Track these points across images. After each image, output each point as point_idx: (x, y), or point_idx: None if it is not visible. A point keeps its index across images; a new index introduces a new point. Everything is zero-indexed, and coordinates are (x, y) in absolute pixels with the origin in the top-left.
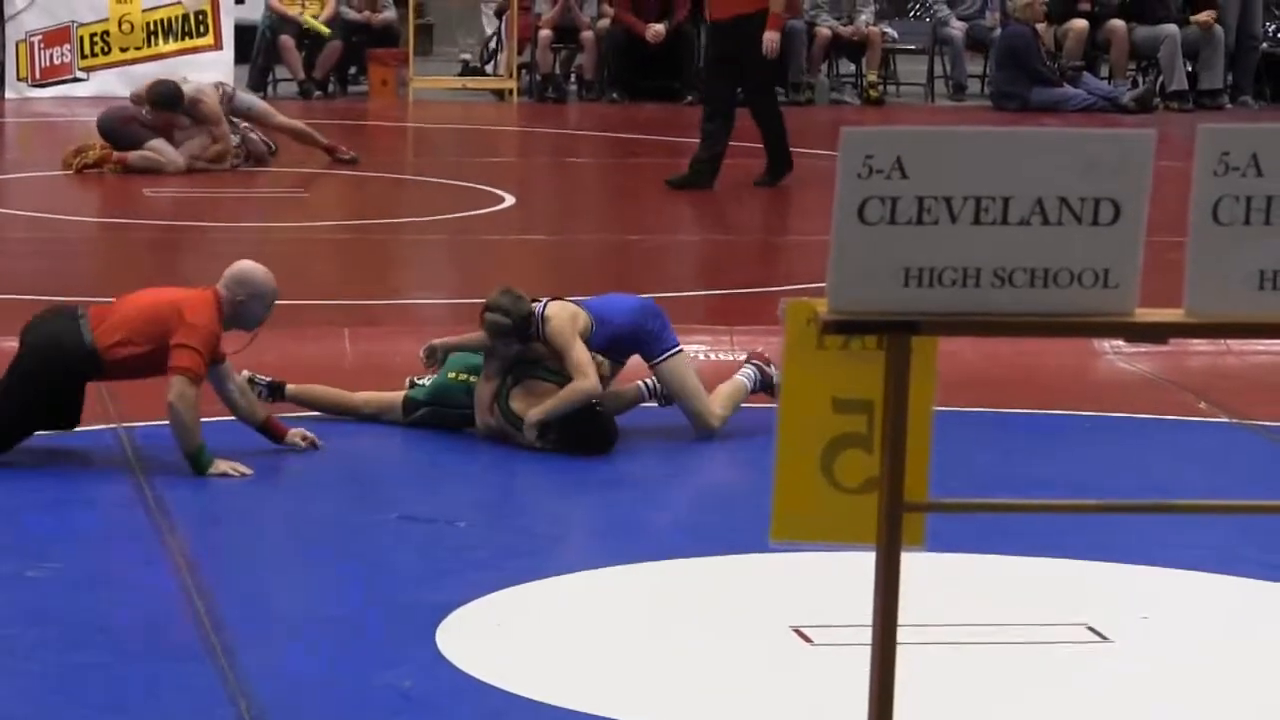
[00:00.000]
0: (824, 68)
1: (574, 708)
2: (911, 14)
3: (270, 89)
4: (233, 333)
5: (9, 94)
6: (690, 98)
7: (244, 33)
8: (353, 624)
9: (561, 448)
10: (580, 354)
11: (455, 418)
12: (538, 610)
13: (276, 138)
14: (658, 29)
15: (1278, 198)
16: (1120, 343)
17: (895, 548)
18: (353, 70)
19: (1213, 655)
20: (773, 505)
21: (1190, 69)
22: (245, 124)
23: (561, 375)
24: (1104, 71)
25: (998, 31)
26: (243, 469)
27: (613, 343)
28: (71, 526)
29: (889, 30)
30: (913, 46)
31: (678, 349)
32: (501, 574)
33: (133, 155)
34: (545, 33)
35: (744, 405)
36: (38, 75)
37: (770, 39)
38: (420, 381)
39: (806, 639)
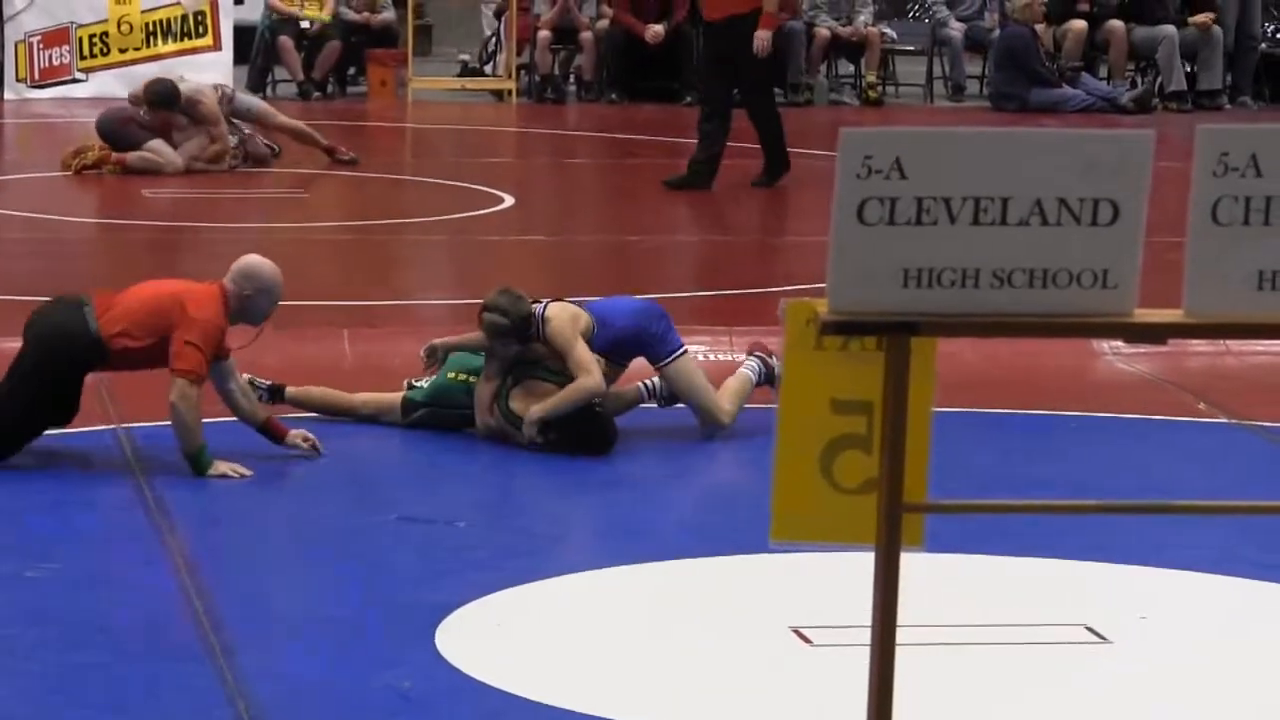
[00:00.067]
0: (823, 68)
1: (572, 708)
2: (910, 15)
3: (269, 90)
4: (238, 329)
5: (8, 95)
6: (689, 98)
7: (243, 33)
8: (352, 624)
9: (561, 448)
10: (582, 352)
11: (454, 418)
12: (537, 611)
13: (278, 138)
14: (657, 30)
15: (1277, 198)
16: (1119, 343)
17: (894, 548)
18: (352, 71)
19: (1211, 655)
20: (772, 506)
21: (1189, 70)
22: (246, 127)
23: (561, 376)
24: (1103, 72)
25: (996, 32)
26: (242, 470)
27: (616, 345)
28: (71, 527)
29: (888, 31)
30: (912, 47)
31: (683, 350)
32: (501, 574)
33: (131, 156)
34: (544, 33)
35: (745, 406)
36: (37, 76)
37: (761, 38)
38: (418, 384)
39: (806, 639)
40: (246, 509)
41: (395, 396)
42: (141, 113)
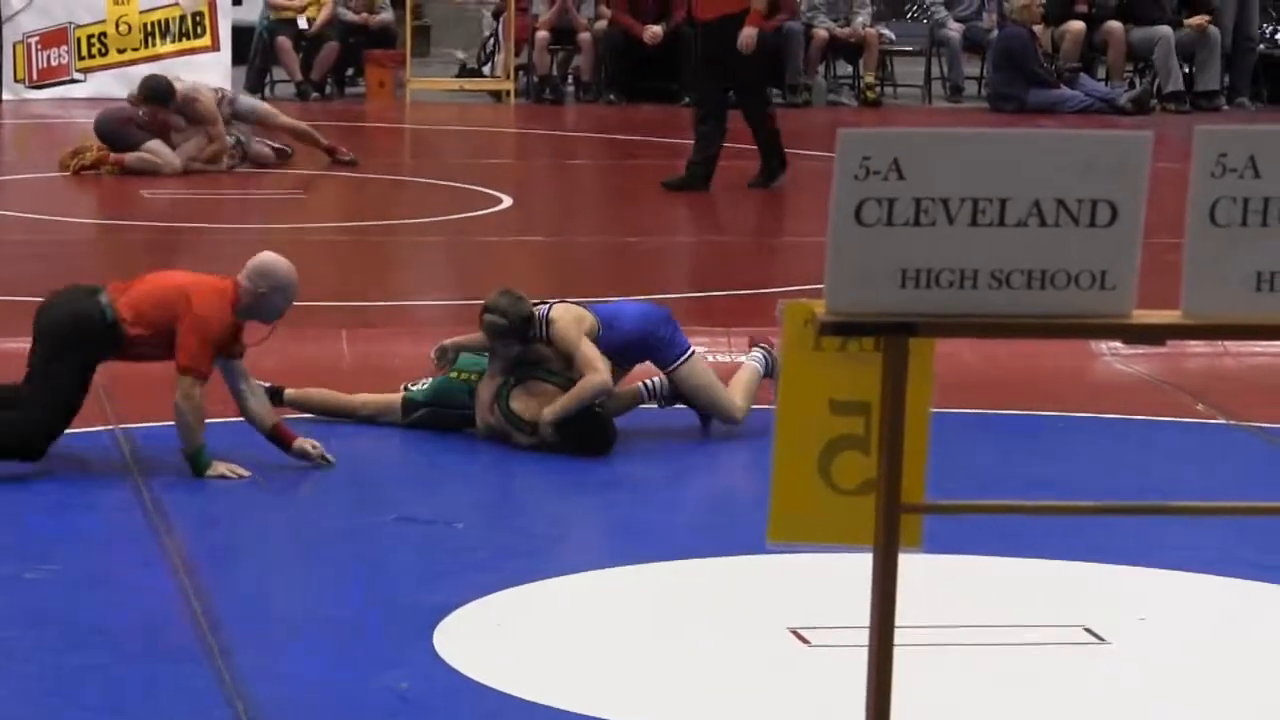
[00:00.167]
0: (821, 69)
1: (570, 708)
2: (909, 15)
3: (268, 90)
4: (251, 326)
5: (6, 95)
6: (688, 99)
7: (241, 34)
8: (350, 625)
9: (561, 448)
10: (588, 351)
11: (455, 418)
12: (535, 611)
13: (287, 140)
14: (655, 30)
15: (1275, 199)
16: (1118, 344)
17: (892, 549)
18: (350, 72)
19: (1209, 656)
20: (770, 507)
21: (1186, 71)
22: (247, 130)
23: (563, 377)
24: (1101, 73)
25: (995, 33)
26: (240, 471)
27: (623, 349)
28: (70, 528)
29: (886, 32)
30: (910, 48)
31: (691, 352)
32: (499, 575)
33: (130, 157)
34: (542, 34)
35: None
36: (35, 76)
37: (747, 35)
38: (414, 386)
39: (804, 640)
40: (245, 510)
41: (395, 397)
42: (140, 113)
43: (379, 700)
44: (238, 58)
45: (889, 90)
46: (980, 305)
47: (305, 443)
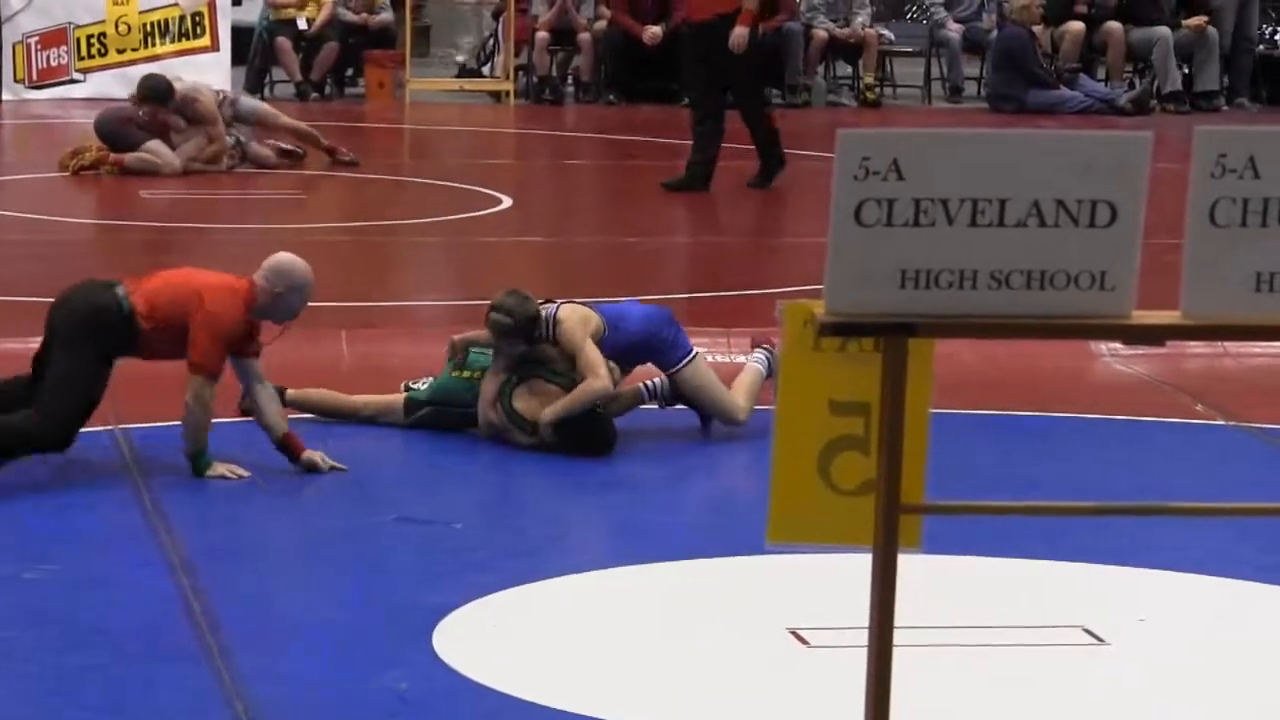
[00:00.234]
0: (820, 70)
1: (568, 709)
2: (908, 16)
3: (267, 91)
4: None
5: (5, 95)
6: (687, 100)
7: (241, 34)
8: (350, 626)
9: (561, 449)
10: (592, 354)
11: (457, 416)
12: (534, 612)
13: (297, 142)
14: (655, 31)
15: (1275, 200)
16: (1117, 345)
17: (892, 550)
18: (349, 72)
19: (1209, 657)
20: (769, 507)
21: (1185, 71)
22: (247, 132)
23: (567, 378)
24: (1100, 74)
25: (994, 34)
26: (240, 471)
27: (627, 350)
28: (70, 528)
29: (885, 32)
30: (909, 49)
31: (694, 354)
32: (499, 576)
33: (129, 157)
34: (542, 34)
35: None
36: (34, 77)
37: (738, 34)
38: (416, 385)
39: (803, 641)
40: (245, 510)
41: (397, 397)
42: (140, 113)
43: (378, 700)
44: (237, 58)
45: (888, 91)
46: (980, 306)
47: (314, 455)
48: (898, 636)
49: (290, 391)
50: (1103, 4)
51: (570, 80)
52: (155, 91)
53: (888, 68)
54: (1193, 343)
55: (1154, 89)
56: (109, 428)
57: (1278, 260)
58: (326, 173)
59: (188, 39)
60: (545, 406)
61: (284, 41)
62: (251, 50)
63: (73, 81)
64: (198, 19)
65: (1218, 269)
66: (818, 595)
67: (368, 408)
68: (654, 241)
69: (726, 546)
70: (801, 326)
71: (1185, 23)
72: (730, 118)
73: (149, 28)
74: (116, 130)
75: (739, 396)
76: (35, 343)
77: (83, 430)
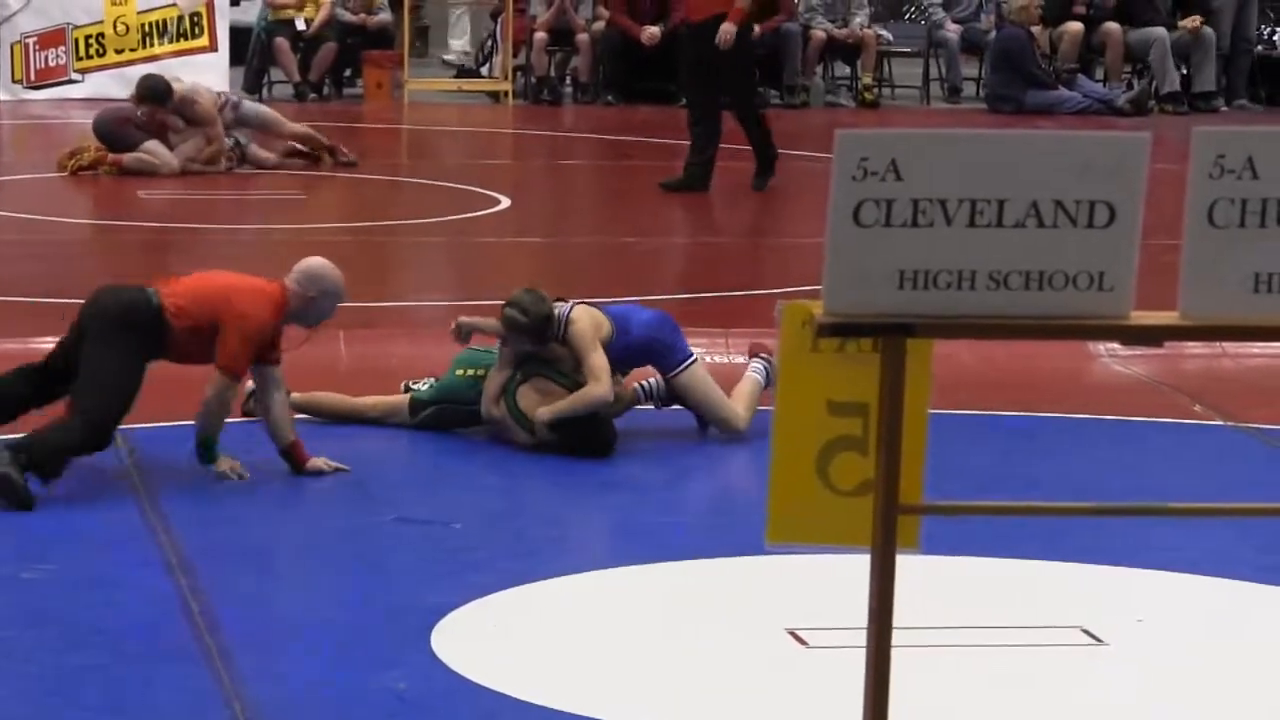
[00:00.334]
0: (819, 70)
1: (567, 709)
2: (906, 16)
3: (265, 91)
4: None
5: (3, 96)
6: (685, 100)
7: (239, 35)
8: (349, 626)
9: (561, 449)
10: (598, 360)
11: (463, 414)
12: (533, 612)
13: (278, 145)
14: (653, 31)
15: (1273, 200)
16: (1115, 345)
17: (890, 550)
18: (348, 72)
19: (1207, 658)
20: (768, 508)
21: (1184, 72)
22: (247, 135)
23: (571, 380)
24: (1099, 74)
25: (993, 34)
26: (243, 472)
27: (628, 353)
28: (69, 528)
29: (884, 33)
30: (908, 49)
31: (693, 359)
32: (498, 576)
33: (127, 157)
34: (540, 35)
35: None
36: (33, 77)
37: (725, 31)
38: (416, 385)
39: (802, 641)
40: (244, 510)
41: (402, 399)
42: (139, 113)
43: (377, 701)
44: (235, 58)
45: (887, 91)
46: (978, 306)
47: (318, 461)
48: (896, 637)
49: (296, 395)
50: (1101, 5)
51: (568, 81)
52: (154, 92)
53: (886, 68)
54: (1191, 343)
55: (1152, 90)
56: None
57: (1276, 261)
58: (324, 173)
59: (186, 39)
60: (547, 406)
61: (282, 42)
62: (250, 51)
63: (71, 82)
64: (196, 19)
65: (1216, 270)
66: (816, 596)
67: (374, 409)
68: (652, 242)
69: (725, 547)
70: (800, 327)
71: (1180, 24)
72: (727, 118)
73: (147, 28)
74: (115, 130)
75: (739, 405)
76: (35, 343)
77: None
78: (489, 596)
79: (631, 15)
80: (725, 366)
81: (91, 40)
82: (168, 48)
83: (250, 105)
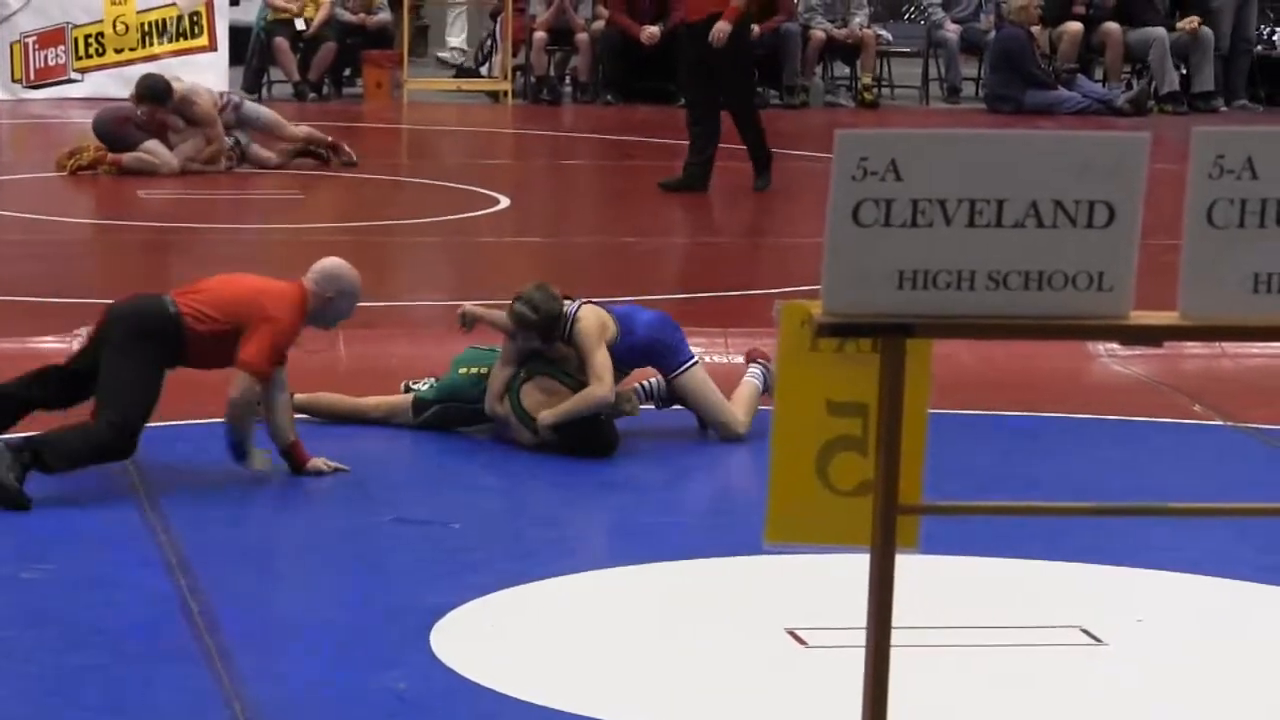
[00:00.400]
0: (818, 70)
1: (566, 709)
2: (906, 17)
3: (265, 91)
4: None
5: (3, 95)
6: (684, 100)
7: (238, 34)
8: (348, 626)
9: (562, 449)
10: (601, 360)
11: (466, 413)
12: (532, 612)
13: (279, 144)
14: (652, 31)
15: (1272, 200)
16: (1115, 345)
17: (889, 550)
18: (347, 72)
19: (1206, 658)
20: (767, 508)
21: (1183, 72)
22: (246, 136)
23: (576, 380)
24: (1098, 74)
25: (992, 34)
26: (269, 464)
27: (632, 354)
28: (69, 528)
29: (883, 33)
30: (907, 49)
31: (694, 361)
32: (497, 576)
33: (127, 157)
34: (540, 35)
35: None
36: (32, 76)
37: (718, 28)
38: (416, 385)
39: (801, 641)
40: (244, 510)
41: (405, 398)
42: (139, 112)
43: (377, 701)
44: (235, 58)
45: (886, 91)
46: (977, 306)
47: (317, 462)
48: (895, 637)
49: (299, 395)
50: (1100, 5)
51: (568, 80)
52: (154, 91)
53: (885, 68)
54: (1190, 343)
55: (1151, 90)
56: None
57: (1275, 261)
58: (324, 173)
59: (185, 39)
60: (551, 405)
61: (282, 41)
62: (249, 50)
63: (70, 81)
64: (195, 19)
65: (1215, 270)
66: (815, 595)
67: (377, 410)
68: (651, 242)
69: (724, 547)
70: (799, 327)
71: (1177, 25)
72: (726, 118)
73: (147, 27)
74: (114, 130)
75: (738, 409)
76: (34, 342)
77: None
78: (488, 596)
79: (631, 15)
80: (724, 366)
81: (91, 40)
82: (167, 47)
83: (251, 106)
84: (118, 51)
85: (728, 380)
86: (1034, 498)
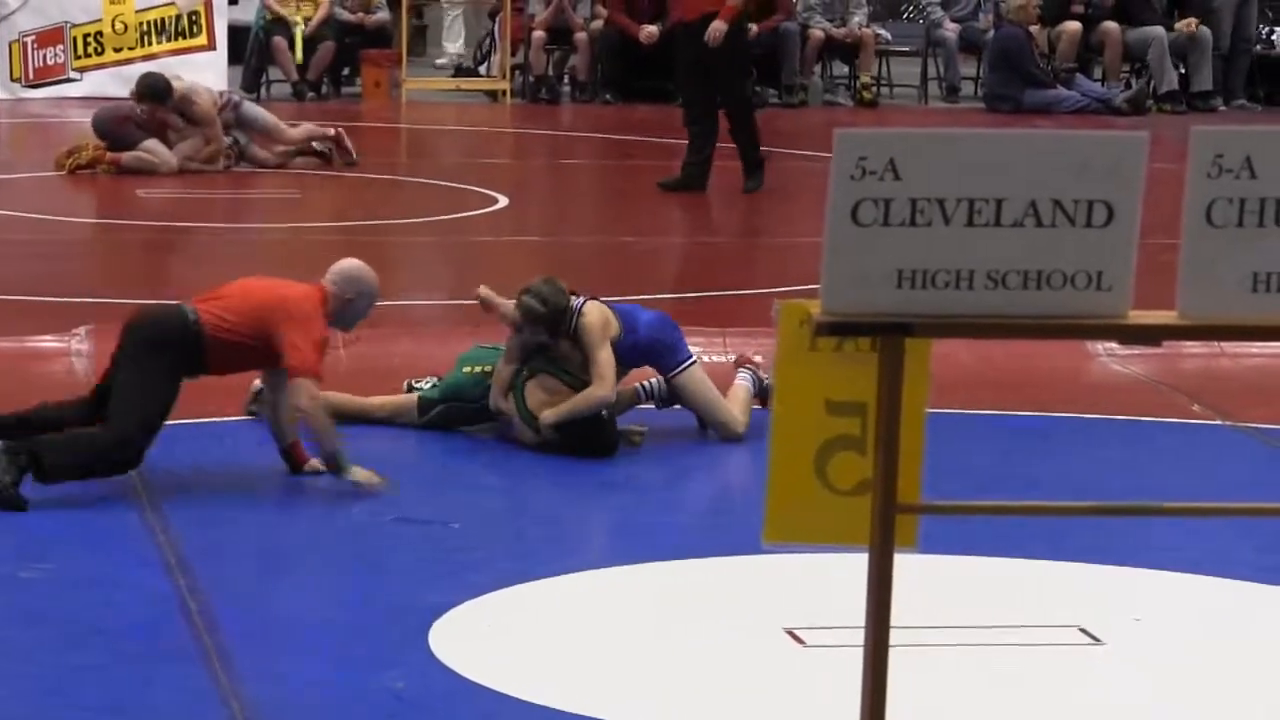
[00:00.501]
0: (817, 69)
1: (566, 708)
2: (905, 16)
3: (263, 90)
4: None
5: (2, 94)
6: (681, 100)
7: (237, 34)
8: (348, 626)
9: (563, 449)
10: (605, 359)
11: (470, 412)
12: (531, 612)
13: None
14: (651, 30)
15: (1271, 200)
16: (1114, 345)
17: (888, 549)
18: (346, 71)
19: (1205, 657)
20: (766, 507)
21: (1182, 71)
22: (245, 136)
23: (578, 379)
24: (1097, 73)
25: (991, 33)
26: (375, 480)
27: (634, 353)
28: (68, 528)
29: (882, 32)
30: (906, 48)
31: (692, 361)
32: (496, 575)
33: (126, 156)
34: (538, 34)
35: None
36: (31, 76)
37: (714, 28)
38: (418, 384)
39: (799, 640)
40: (243, 510)
41: (410, 398)
42: (138, 111)
43: (376, 700)
44: (234, 57)
45: (885, 90)
46: (976, 306)
47: (317, 463)
48: (894, 636)
49: None
50: (1099, 4)
51: (566, 80)
52: (154, 90)
53: (884, 67)
54: (1189, 343)
55: (1150, 89)
56: None
57: (1274, 260)
58: (323, 172)
59: (184, 38)
60: (554, 405)
61: (280, 41)
62: (248, 49)
63: (69, 80)
64: (194, 18)
65: (1214, 269)
66: (814, 595)
67: (382, 409)
68: (650, 241)
69: (723, 546)
70: (798, 326)
71: (1176, 24)
72: (723, 117)
73: (145, 27)
74: (114, 129)
75: (735, 409)
76: (33, 341)
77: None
78: (487, 596)
79: (629, 14)
80: (723, 366)
81: (90, 39)
82: (166, 46)
83: (251, 107)
84: (116, 51)
85: (726, 380)
86: (1033, 497)
